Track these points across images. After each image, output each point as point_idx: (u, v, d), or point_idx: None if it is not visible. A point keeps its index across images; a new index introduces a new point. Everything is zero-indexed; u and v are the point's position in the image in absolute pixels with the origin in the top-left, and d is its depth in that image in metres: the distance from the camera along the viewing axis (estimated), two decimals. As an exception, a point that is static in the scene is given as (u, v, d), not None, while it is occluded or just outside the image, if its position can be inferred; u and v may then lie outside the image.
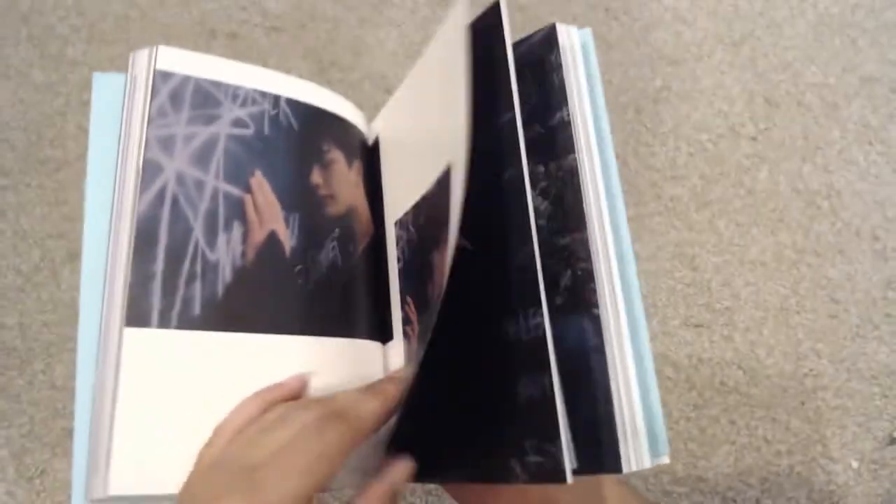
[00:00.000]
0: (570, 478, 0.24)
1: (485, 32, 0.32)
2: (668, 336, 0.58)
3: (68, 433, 0.56)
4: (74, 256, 0.62)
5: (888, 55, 0.67)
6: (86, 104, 0.67)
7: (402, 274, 0.36)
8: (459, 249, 0.28)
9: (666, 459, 0.27)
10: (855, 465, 0.54)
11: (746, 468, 0.54)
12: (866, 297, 0.59)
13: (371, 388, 0.31)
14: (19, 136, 0.67)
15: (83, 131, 0.67)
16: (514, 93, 0.29)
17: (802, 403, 0.56)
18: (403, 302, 0.35)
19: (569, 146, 0.30)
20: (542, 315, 0.26)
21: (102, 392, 0.31)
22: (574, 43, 0.33)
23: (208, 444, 0.29)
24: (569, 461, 0.24)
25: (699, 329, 0.58)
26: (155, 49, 0.35)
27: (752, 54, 0.67)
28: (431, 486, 0.56)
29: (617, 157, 0.68)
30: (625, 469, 0.26)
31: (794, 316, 0.58)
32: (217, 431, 0.30)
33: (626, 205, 0.64)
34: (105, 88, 0.36)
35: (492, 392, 0.28)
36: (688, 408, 0.56)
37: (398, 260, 0.37)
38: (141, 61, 0.35)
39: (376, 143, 0.42)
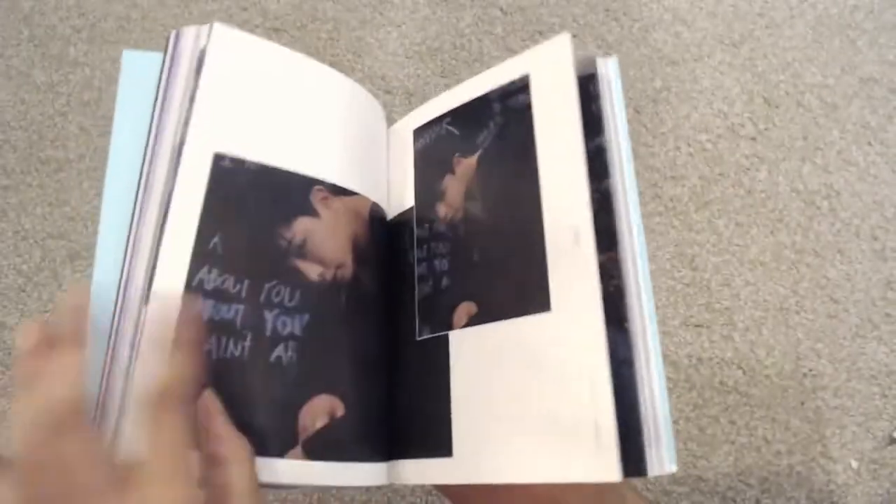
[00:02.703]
0: (620, 476, 0.28)
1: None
2: (667, 336, 0.58)
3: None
4: (75, 256, 0.62)
5: (887, 56, 0.67)
6: (87, 104, 0.68)
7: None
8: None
9: (674, 467, 0.29)
10: (855, 464, 0.54)
11: (746, 468, 0.54)
12: (866, 296, 0.59)
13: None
14: (20, 136, 0.67)
15: (84, 131, 0.67)
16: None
17: (802, 403, 0.56)
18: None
19: (603, 171, 0.33)
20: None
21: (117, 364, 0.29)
22: (610, 74, 0.35)
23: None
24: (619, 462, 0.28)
25: (699, 329, 0.58)
26: (208, 27, 0.35)
27: (752, 55, 0.68)
28: (430, 486, 0.56)
29: (617, 157, 0.68)
30: (650, 473, 0.28)
31: (793, 316, 0.58)
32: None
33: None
34: (135, 67, 0.34)
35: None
36: (688, 407, 0.56)
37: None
38: (187, 38, 0.35)
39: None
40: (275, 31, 0.69)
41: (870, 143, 0.64)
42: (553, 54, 0.35)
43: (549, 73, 0.35)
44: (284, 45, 0.67)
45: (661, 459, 0.28)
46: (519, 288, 0.32)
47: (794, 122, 0.65)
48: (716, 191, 0.63)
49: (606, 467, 0.28)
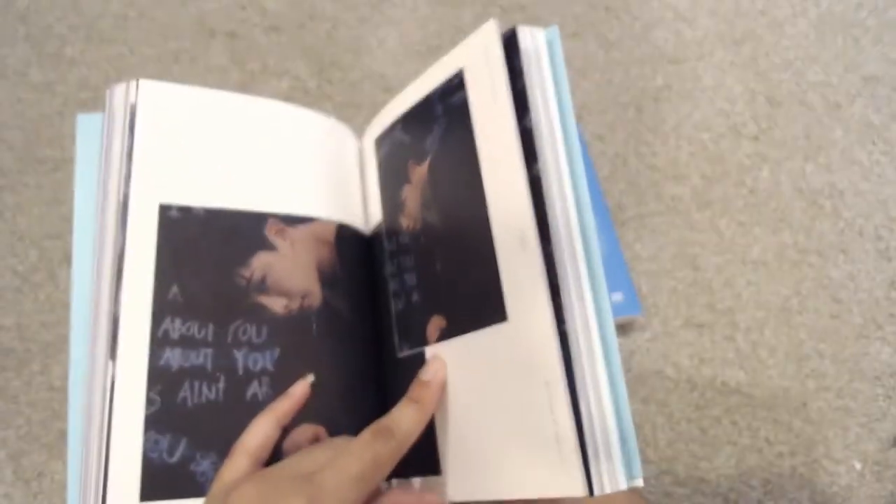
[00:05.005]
0: (585, 490, 0.26)
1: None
2: (669, 336, 0.58)
3: (66, 435, 0.56)
4: (72, 257, 0.62)
5: (891, 54, 0.66)
6: (84, 104, 0.67)
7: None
8: None
9: (639, 482, 0.26)
10: (858, 466, 0.54)
11: (748, 469, 0.54)
12: (869, 297, 0.58)
13: (408, 397, 0.31)
14: (17, 136, 0.66)
15: (81, 131, 0.66)
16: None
17: (805, 404, 0.55)
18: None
19: (531, 155, 0.29)
20: None
21: (90, 428, 0.30)
22: (539, 46, 0.31)
23: (231, 464, 0.30)
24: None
25: (700, 329, 0.58)
26: (132, 83, 0.34)
27: (754, 53, 0.67)
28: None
29: (617, 156, 0.68)
30: (596, 490, 0.26)
31: (796, 316, 0.58)
32: (238, 450, 0.30)
33: (627, 205, 0.64)
34: (88, 128, 0.35)
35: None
36: (689, 408, 0.56)
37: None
38: (118, 96, 0.34)
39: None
40: (273, 30, 0.69)
41: (873, 142, 0.63)
42: (482, 44, 0.32)
43: (481, 65, 0.32)
44: (284, 44, 0.66)
45: (614, 475, 0.26)
46: (478, 298, 0.30)
47: (797, 121, 0.64)
48: (718, 190, 0.62)
49: (570, 482, 0.26)
